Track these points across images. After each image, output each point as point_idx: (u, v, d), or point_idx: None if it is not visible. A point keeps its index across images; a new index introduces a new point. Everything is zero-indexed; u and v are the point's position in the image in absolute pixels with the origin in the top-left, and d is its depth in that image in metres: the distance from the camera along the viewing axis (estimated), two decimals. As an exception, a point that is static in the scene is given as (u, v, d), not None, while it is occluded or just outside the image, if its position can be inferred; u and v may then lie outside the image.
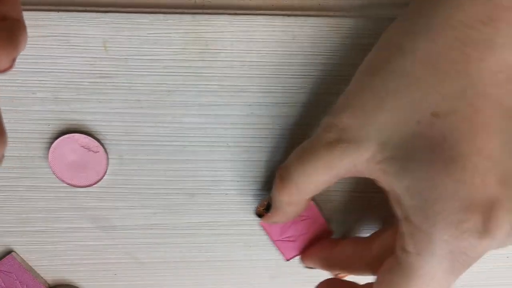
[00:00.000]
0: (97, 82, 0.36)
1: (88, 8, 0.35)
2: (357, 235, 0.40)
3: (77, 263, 0.40)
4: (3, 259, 0.39)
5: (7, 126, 0.37)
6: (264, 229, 0.39)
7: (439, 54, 0.28)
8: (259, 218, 0.37)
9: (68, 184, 0.38)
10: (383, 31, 0.31)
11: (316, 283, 0.37)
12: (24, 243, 0.40)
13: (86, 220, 0.39)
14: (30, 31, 0.35)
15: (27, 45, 0.35)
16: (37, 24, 0.35)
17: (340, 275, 0.38)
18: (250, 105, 0.37)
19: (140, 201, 0.39)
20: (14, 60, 0.25)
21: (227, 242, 0.40)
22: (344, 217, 0.40)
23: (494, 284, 0.41)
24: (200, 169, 0.38)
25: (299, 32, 0.35)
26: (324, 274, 0.39)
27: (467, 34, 0.28)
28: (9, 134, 0.37)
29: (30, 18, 0.35)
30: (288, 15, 0.36)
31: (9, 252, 0.40)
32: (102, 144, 0.37)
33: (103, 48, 0.36)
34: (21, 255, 0.40)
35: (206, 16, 0.35)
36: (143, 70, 0.36)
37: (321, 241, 0.39)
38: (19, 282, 0.39)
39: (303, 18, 0.36)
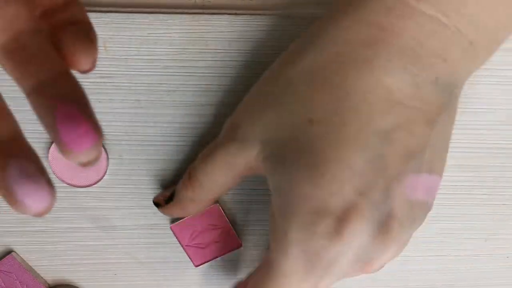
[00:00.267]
0: (97, 82, 0.36)
1: (88, 8, 0.35)
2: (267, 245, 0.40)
3: (77, 263, 0.40)
4: (3, 259, 0.39)
5: (7, 126, 0.37)
6: (174, 233, 0.39)
7: (320, 66, 0.30)
8: (156, 207, 0.38)
9: (68, 184, 0.38)
10: None
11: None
12: (24, 243, 0.40)
13: (86, 220, 0.39)
14: (30, 31, 0.35)
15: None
16: (37, 24, 0.35)
17: None
18: (250, 105, 0.37)
19: (140, 201, 0.39)
20: (95, 61, 0.25)
21: (227, 242, 0.40)
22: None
23: (494, 284, 0.41)
24: (200, 169, 0.38)
25: (297, 32, 0.35)
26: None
27: (349, 53, 0.29)
28: (9, 134, 0.37)
29: (30, 18, 0.35)
30: (288, 16, 0.36)
31: (9, 252, 0.40)
32: (102, 144, 0.37)
33: (103, 48, 0.36)
34: (21, 255, 0.40)
35: (206, 16, 0.35)
36: (143, 70, 0.36)
37: None
38: (19, 282, 0.39)
39: (300, 19, 0.36)
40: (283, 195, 0.30)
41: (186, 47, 0.36)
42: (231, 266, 0.41)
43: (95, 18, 0.34)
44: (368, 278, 0.41)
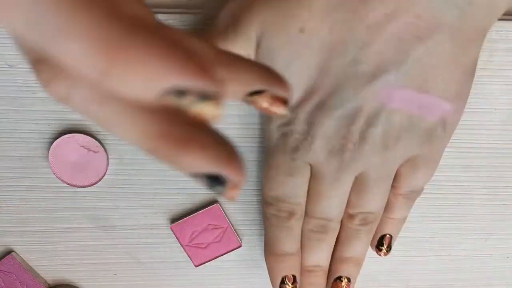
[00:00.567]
0: (97, 82, 0.36)
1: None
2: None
3: (77, 263, 0.40)
4: (3, 259, 0.39)
5: (8, 126, 0.37)
6: (174, 233, 0.39)
7: None
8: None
9: (68, 184, 0.38)
10: None
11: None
12: (24, 243, 0.40)
13: (86, 220, 0.39)
14: (30, 31, 0.35)
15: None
16: (37, 24, 0.35)
17: None
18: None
19: (140, 201, 0.39)
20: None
21: (227, 242, 0.40)
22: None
23: (494, 284, 0.41)
24: (200, 169, 0.38)
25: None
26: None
27: None
28: (9, 134, 0.37)
29: (30, 18, 0.35)
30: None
31: (9, 252, 0.40)
32: (102, 144, 0.37)
33: (103, 48, 0.35)
34: (21, 255, 0.40)
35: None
36: (143, 70, 0.36)
37: None
38: (19, 282, 0.39)
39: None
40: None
41: (186, 47, 0.36)
42: (231, 266, 0.41)
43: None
44: (368, 278, 0.41)
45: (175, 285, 0.41)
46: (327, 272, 0.37)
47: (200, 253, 0.39)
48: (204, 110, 0.16)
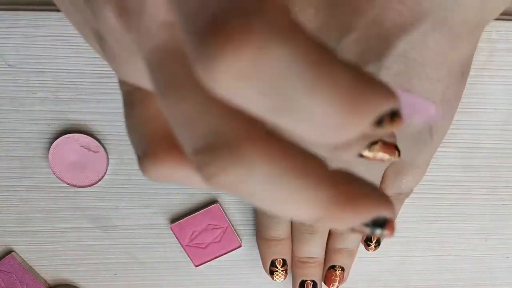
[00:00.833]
0: (97, 82, 0.36)
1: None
2: None
3: (77, 263, 0.40)
4: (3, 259, 0.39)
5: (8, 126, 0.37)
6: (174, 233, 0.39)
7: None
8: None
9: (68, 184, 0.38)
10: None
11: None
12: (24, 243, 0.40)
13: (86, 220, 0.39)
14: (30, 31, 0.35)
15: (27, 45, 0.35)
16: (37, 24, 0.35)
17: None
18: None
19: (140, 201, 0.39)
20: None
21: (227, 242, 0.40)
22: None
23: (494, 284, 0.41)
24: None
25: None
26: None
27: None
28: (9, 134, 0.37)
29: (30, 18, 0.35)
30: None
31: (9, 252, 0.40)
32: (102, 144, 0.37)
33: (103, 48, 0.36)
34: (21, 255, 0.40)
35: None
36: (143, 70, 0.36)
37: None
38: (19, 282, 0.39)
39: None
40: None
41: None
42: (231, 266, 0.41)
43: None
44: (368, 278, 0.41)
45: (175, 285, 0.41)
46: (322, 262, 0.38)
47: (200, 253, 0.39)
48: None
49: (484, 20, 0.31)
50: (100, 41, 0.18)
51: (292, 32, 0.12)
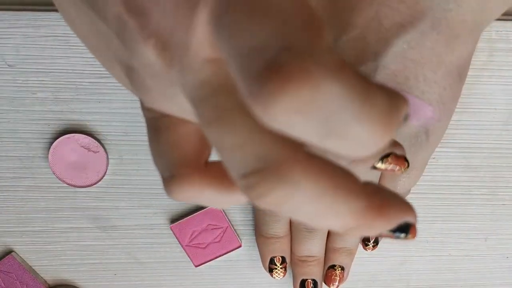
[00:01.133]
0: (97, 82, 0.36)
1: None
2: None
3: (77, 263, 0.40)
4: (3, 259, 0.39)
5: (7, 126, 0.37)
6: (174, 233, 0.39)
7: None
8: None
9: (68, 184, 0.38)
10: None
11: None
12: (24, 243, 0.40)
13: (86, 220, 0.39)
14: (30, 31, 0.35)
15: (27, 45, 0.35)
16: (37, 24, 0.35)
17: None
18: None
19: (140, 201, 0.39)
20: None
21: (227, 242, 0.40)
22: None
23: (494, 284, 0.41)
24: (200, 169, 0.38)
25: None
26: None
27: None
28: (9, 135, 0.37)
29: (30, 18, 0.35)
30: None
31: (9, 252, 0.40)
32: (102, 144, 0.37)
33: (103, 48, 0.36)
34: (21, 255, 0.40)
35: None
36: (143, 70, 0.36)
37: None
38: (19, 282, 0.39)
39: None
40: None
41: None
42: (231, 266, 0.41)
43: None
44: (368, 278, 0.41)
45: (175, 285, 0.41)
46: (322, 261, 0.38)
47: (200, 253, 0.39)
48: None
49: (484, 21, 0.31)
50: (129, 72, 0.19)
51: (342, 69, 0.14)
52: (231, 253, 0.40)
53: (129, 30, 0.17)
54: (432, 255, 0.41)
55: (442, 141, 0.35)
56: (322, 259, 0.38)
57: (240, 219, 0.40)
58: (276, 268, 0.38)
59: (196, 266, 0.40)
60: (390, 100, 0.15)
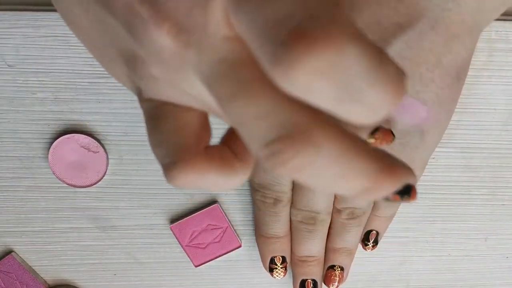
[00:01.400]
0: (97, 82, 0.36)
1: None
2: None
3: (77, 263, 0.40)
4: (3, 259, 0.39)
5: (8, 126, 0.37)
6: (174, 233, 0.39)
7: None
8: None
9: (68, 184, 0.38)
10: None
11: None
12: (24, 243, 0.40)
13: (86, 220, 0.39)
14: (30, 31, 0.35)
15: (27, 45, 0.35)
16: (37, 24, 0.35)
17: None
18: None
19: (140, 201, 0.39)
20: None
21: (227, 242, 0.40)
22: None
23: (494, 284, 0.41)
24: (200, 169, 0.38)
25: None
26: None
27: None
28: (9, 135, 0.37)
29: (30, 18, 0.35)
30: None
31: (9, 252, 0.40)
32: (102, 144, 0.37)
33: (103, 48, 0.36)
34: (21, 255, 0.40)
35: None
36: (143, 70, 0.36)
37: None
38: (19, 282, 0.39)
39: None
40: None
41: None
42: (231, 266, 0.41)
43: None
44: (368, 278, 0.41)
45: (175, 285, 0.41)
46: (322, 261, 0.38)
47: (200, 253, 0.39)
48: None
49: (483, 21, 0.31)
50: (134, 64, 0.19)
51: (360, 36, 0.15)
52: (231, 253, 0.40)
53: (139, 19, 0.18)
54: (432, 255, 0.41)
55: (442, 141, 0.35)
56: (322, 259, 0.38)
57: (240, 219, 0.40)
58: (276, 268, 0.38)
59: (196, 266, 0.40)
60: (398, 69, 0.16)
